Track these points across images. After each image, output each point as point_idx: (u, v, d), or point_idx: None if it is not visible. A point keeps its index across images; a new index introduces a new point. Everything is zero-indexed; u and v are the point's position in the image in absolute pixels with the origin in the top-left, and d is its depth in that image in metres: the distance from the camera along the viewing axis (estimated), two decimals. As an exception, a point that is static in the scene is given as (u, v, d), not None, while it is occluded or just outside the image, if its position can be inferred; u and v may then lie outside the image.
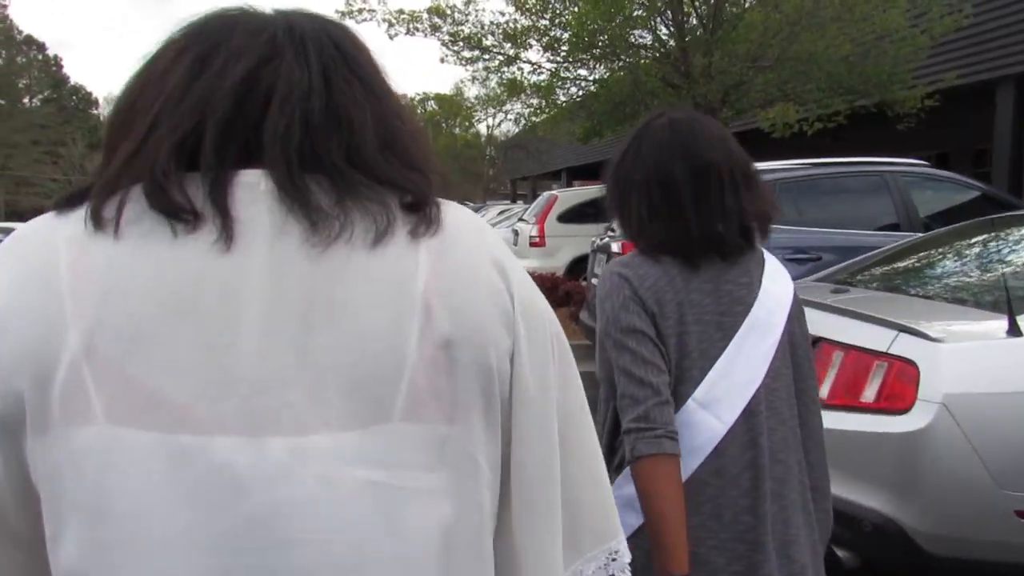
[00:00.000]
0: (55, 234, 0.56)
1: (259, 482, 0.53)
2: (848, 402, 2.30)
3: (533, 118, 11.22)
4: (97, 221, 0.55)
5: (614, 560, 0.71)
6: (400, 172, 0.62)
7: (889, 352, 2.23)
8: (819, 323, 2.50)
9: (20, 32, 46.35)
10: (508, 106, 11.45)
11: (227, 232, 0.55)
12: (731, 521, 1.25)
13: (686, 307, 1.27)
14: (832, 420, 2.27)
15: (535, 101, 10.40)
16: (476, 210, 19.01)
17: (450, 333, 0.59)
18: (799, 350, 1.35)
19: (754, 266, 1.33)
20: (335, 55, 0.63)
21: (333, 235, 0.57)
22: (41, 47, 48.03)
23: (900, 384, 2.19)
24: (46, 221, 0.58)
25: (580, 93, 10.10)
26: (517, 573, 0.65)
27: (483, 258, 0.63)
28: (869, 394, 2.25)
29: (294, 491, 0.54)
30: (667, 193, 1.29)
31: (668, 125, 1.32)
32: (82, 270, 0.54)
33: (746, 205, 1.30)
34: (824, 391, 2.34)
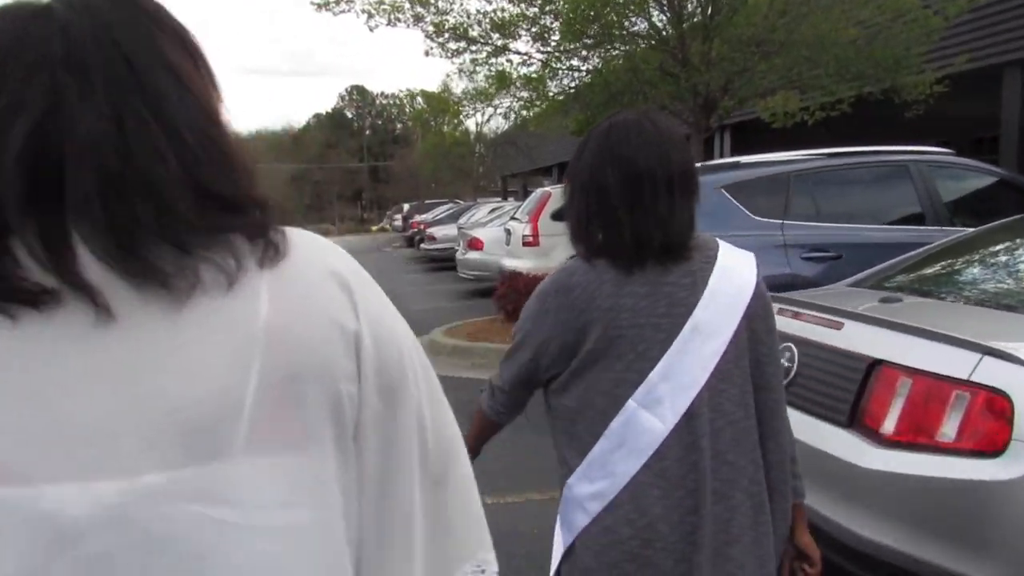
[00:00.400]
0: None
1: (93, 527, 0.53)
2: (919, 439, 1.92)
3: (523, 112, 10.74)
4: None
5: (483, 572, 0.74)
6: (221, 217, 0.61)
7: (972, 380, 1.85)
8: (876, 342, 2.14)
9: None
10: (497, 100, 10.92)
11: (53, 303, 0.55)
12: (679, 523, 1.26)
13: (618, 311, 1.28)
14: (899, 462, 1.92)
15: (525, 94, 9.96)
16: (466, 208, 19.01)
17: (293, 366, 0.60)
18: (761, 347, 1.34)
19: (700, 265, 1.31)
20: (125, 79, 0.59)
21: (170, 291, 0.57)
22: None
23: (988, 420, 1.81)
24: None
25: (573, 85, 9.67)
26: None
27: (326, 285, 0.64)
28: (948, 431, 1.86)
29: (130, 534, 0.54)
30: (601, 198, 1.32)
31: (607, 130, 1.34)
32: None
33: (680, 211, 1.30)
34: (889, 426, 1.98)
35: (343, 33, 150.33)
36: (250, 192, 0.63)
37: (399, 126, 70.98)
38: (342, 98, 75.70)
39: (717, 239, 1.37)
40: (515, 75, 9.44)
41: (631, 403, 1.26)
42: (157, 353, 0.56)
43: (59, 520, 0.53)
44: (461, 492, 0.74)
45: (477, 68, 9.87)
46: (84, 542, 0.53)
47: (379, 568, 0.66)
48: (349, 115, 74.27)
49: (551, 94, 9.75)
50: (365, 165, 63.07)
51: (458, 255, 12.06)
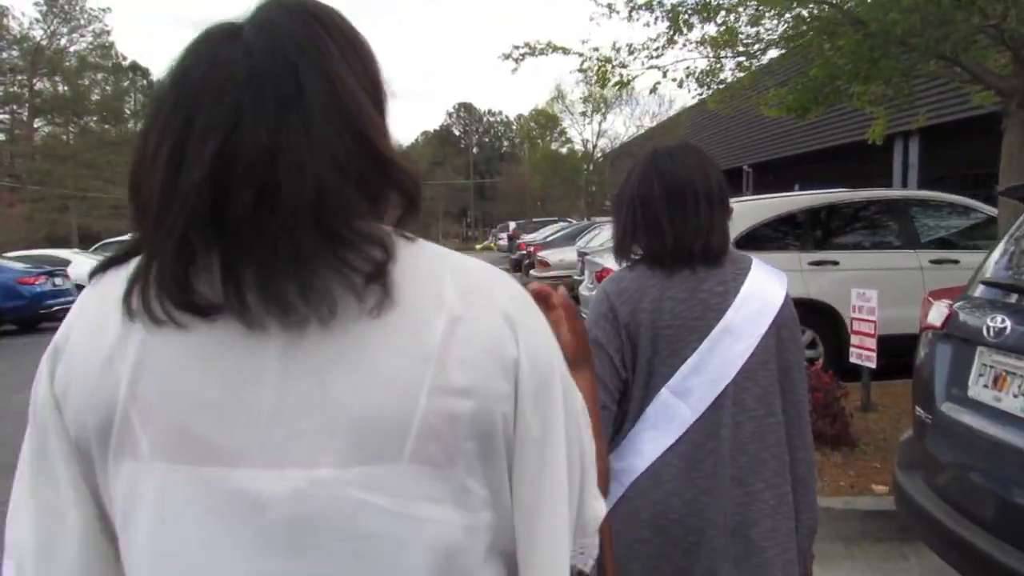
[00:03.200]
0: (106, 302, 0.71)
1: (275, 504, 0.66)
2: None
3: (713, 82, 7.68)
4: (129, 311, 0.68)
5: (582, 552, 0.86)
6: (364, 243, 0.67)
7: None
8: None
9: (125, 59, 50.28)
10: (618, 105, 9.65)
11: (245, 319, 0.66)
12: (691, 499, 1.53)
13: (660, 313, 1.57)
14: None
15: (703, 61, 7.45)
16: (582, 229, 17.65)
17: (459, 385, 0.70)
18: (788, 355, 1.59)
19: (734, 276, 1.59)
20: (291, 96, 0.66)
21: (335, 315, 0.67)
22: (145, 73, 51.40)
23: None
24: (102, 287, 0.73)
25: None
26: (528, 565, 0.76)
27: (491, 313, 0.73)
28: None
29: (307, 508, 0.66)
30: (646, 210, 1.61)
31: (652, 153, 1.66)
32: (124, 337, 0.69)
33: (717, 222, 1.60)
34: None
35: (446, 55, 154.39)
36: (409, 209, 0.72)
37: (506, 143, 73.21)
38: (449, 115, 79.00)
39: (750, 256, 1.66)
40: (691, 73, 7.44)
41: (664, 391, 1.56)
42: (344, 362, 0.66)
43: (250, 498, 0.66)
44: (589, 494, 0.84)
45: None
46: (265, 516, 0.66)
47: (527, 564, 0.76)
48: (456, 132, 77.14)
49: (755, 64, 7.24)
50: (471, 182, 65.57)
51: (583, 289, 9.28)
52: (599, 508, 0.86)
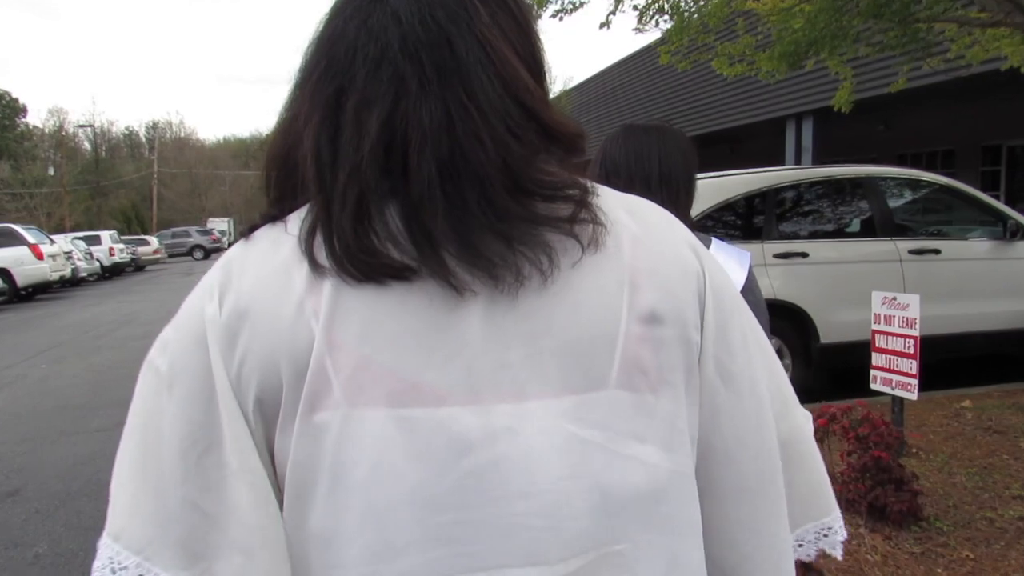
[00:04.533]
0: (279, 256, 0.67)
1: (482, 442, 0.62)
2: None
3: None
4: (317, 266, 0.65)
5: (826, 536, 0.79)
6: (539, 203, 0.66)
7: None
8: None
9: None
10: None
11: (446, 280, 0.64)
12: None
13: None
14: None
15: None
16: None
17: (655, 308, 0.67)
18: None
19: None
20: (449, 64, 0.65)
21: (496, 281, 0.64)
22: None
23: None
24: (262, 245, 0.69)
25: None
26: (735, 547, 0.74)
27: (679, 240, 0.72)
28: None
29: (515, 447, 0.63)
30: None
31: (613, 133, 1.60)
32: (316, 285, 0.65)
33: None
34: None
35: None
36: (572, 168, 0.69)
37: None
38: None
39: (712, 238, 1.55)
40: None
41: None
42: (543, 299, 0.65)
43: (461, 436, 0.63)
44: (801, 453, 0.80)
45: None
46: (473, 455, 0.63)
47: (739, 518, 0.73)
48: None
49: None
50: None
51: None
52: (824, 480, 0.82)
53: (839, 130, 14.16)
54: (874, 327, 4.06)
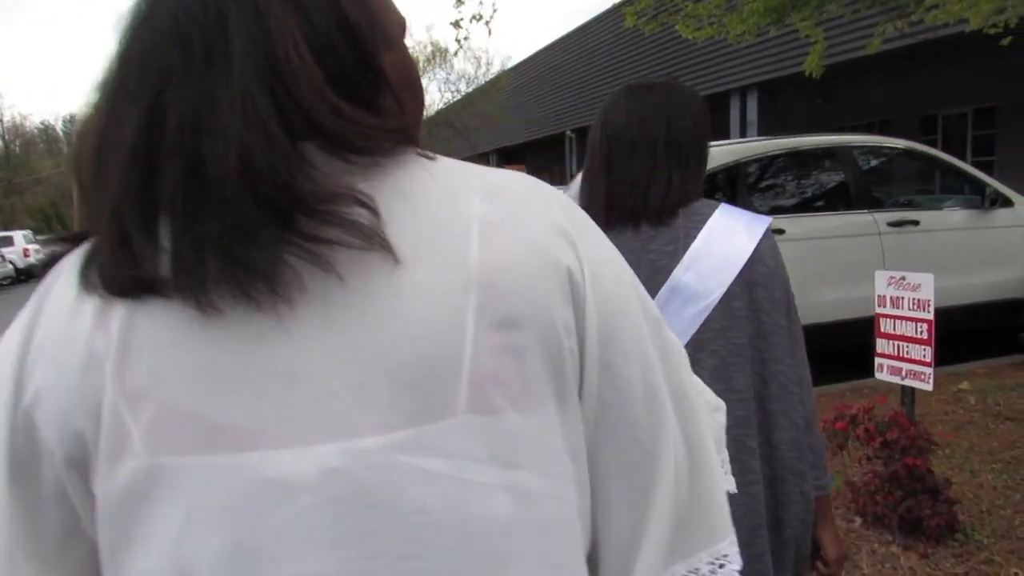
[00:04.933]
0: (72, 286, 0.58)
1: (307, 486, 0.53)
2: None
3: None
4: (91, 288, 0.57)
5: (721, 567, 0.67)
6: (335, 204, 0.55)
7: None
8: None
9: None
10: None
11: (203, 300, 0.55)
12: None
13: None
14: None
15: None
16: None
17: (510, 310, 0.56)
18: (765, 316, 1.31)
19: (686, 231, 1.35)
20: (220, 52, 0.56)
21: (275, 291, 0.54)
22: None
23: None
24: (64, 273, 0.60)
25: None
26: (601, 570, 0.63)
27: (546, 227, 0.60)
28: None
29: (347, 490, 0.53)
30: (590, 160, 1.43)
31: (615, 93, 1.45)
32: (104, 317, 0.56)
33: (662, 176, 1.35)
34: None
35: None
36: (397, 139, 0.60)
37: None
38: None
39: (721, 203, 1.39)
40: None
41: None
42: (367, 315, 0.54)
43: (280, 482, 0.53)
44: (702, 470, 0.68)
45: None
46: (300, 498, 0.53)
47: (607, 541, 0.63)
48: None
49: None
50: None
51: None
52: (721, 499, 0.70)
53: (782, 104, 14.07)
54: (879, 310, 3.63)
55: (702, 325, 1.30)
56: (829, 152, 5.54)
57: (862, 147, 5.70)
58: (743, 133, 14.29)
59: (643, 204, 1.36)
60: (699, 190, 1.40)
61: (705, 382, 1.36)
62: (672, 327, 1.35)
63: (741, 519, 1.34)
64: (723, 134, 14.39)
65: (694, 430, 0.67)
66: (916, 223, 5.46)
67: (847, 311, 5.11)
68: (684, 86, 1.46)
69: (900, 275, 3.56)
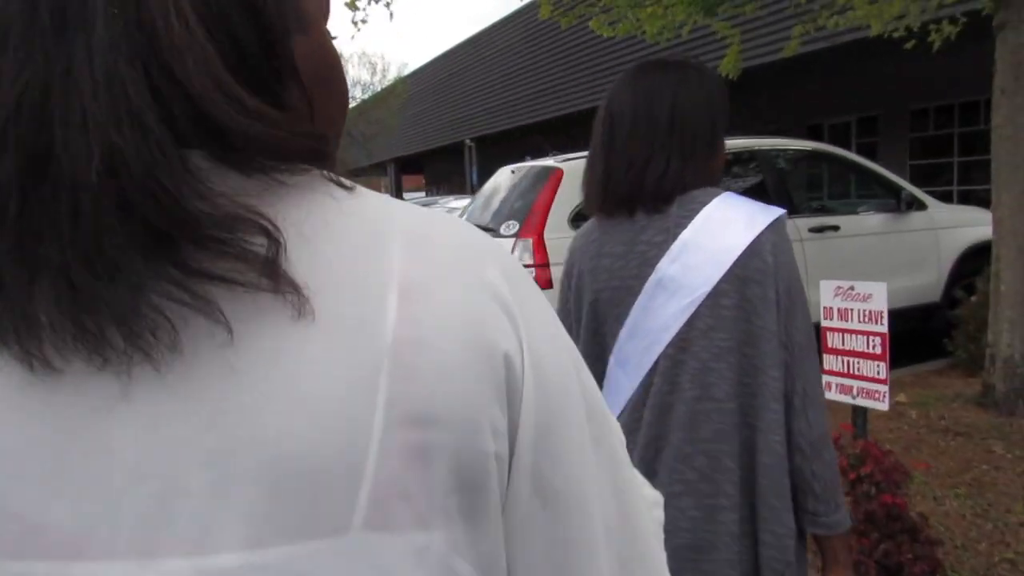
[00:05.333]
0: None
1: None
2: None
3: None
4: None
5: None
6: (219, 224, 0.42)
7: None
8: None
9: None
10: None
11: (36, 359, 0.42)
12: None
13: (597, 272, 1.30)
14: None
15: None
16: None
17: (425, 405, 0.44)
18: (756, 320, 1.18)
19: (677, 220, 1.24)
20: (76, 13, 0.43)
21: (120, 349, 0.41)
22: None
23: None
24: None
25: None
26: None
27: (478, 293, 0.47)
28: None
29: None
30: (591, 141, 1.36)
31: (627, 71, 1.37)
32: None
33: (660, 160, 1.25)
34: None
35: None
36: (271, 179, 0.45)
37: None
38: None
39: (725, 193, 1.27)
40: None
41: (611, 360, 1.28)
42: (246, 386, 0.42)
43: None
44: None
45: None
46: None
47: None
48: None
49: None
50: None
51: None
52: None
53: None
54: (825, 323, 3.33)
55: (687, 324, 1.20)
56: (750, 155, 5.31)
57: (776, 150, 5.50)
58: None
59: (638, 188, 1.26)
60: (704, 178, 1.28)
61: (685, 386, 1.18)
62: (654, 322, 1.19)
63: (708, 550, 1.16)
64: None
65: (637, 542, 0.56)
66: (836, 228, 5.30)
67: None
68: (702, 65, 1.34)
69: (848, 285, 3.28)
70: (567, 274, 1.37)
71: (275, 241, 0.42)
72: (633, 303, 1.24)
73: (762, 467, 1.18)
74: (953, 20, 5.32)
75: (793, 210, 5.31)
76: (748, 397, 1.18)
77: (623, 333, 1.25)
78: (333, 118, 0.54)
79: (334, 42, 0.54)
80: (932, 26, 5.35)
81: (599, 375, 1.27)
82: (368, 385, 0.42)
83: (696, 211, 1.23)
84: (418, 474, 0.43)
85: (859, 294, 3.22)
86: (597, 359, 1.30)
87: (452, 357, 0.44)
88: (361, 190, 0.49)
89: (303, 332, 0.42)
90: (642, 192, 1.25)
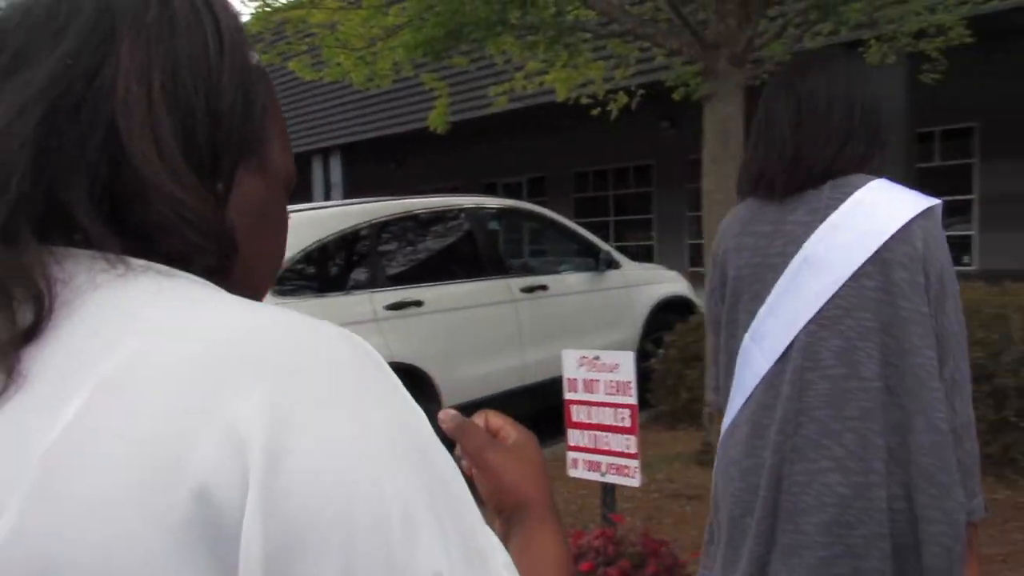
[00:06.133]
0: None
1: None
2: None
3: None
4: None
5: None
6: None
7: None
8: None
9: None
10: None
11: None
12: (748, 470, 1.29)
13: (741, 250, 1.37)
14: None
15: None
16: None
17: (50, 547, 0.35)
18: (904, 303, 1.22)
19: (828, 202, 1.29)
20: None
21: None
22: None
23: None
24: None
25: None
26: None
27: (181, 412, 0.37)
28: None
29: None
30: (747, 133, 1.46)
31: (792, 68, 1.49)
32: None
33: (811, 147, 1.31)
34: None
35: None
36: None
37: None
38: None
39: (880, 179, 1.31)
40: None
41: (746, 337, 1.33)
42: None
43: None
44: None
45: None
46: None
47: None
48: None
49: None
50: None
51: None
52: None
53: (359, 167, 14.13)
54: (569, 395, 3.11)
55: (828, 302, 1.25)
56: (456, 213, 5.09)
57: (483, 208, 5.37)
58: (327, 195, 13.80)
59: (782, 173, 1.33)
60: (858, 164, 1.32)
61: (828, 362, 1.22)
62: (796, 300, 1.24)
63: (856, 525, 1.20)
64: (307, 196, 13.75)
65: None
66: (545, 288, 5.28)
67: (491, 387, 4.67)
68: (861, 59, 1.50)
69: (594, 354, 3.10)
70: (714, 255, 1.44)
71: (39, 305, 0.40)
72: (774, 280, 1.29)
73: (924, 446, 1.20)
74: (629, 91, 5.73)
75: (505, 269, 5.19)
76: (896, 378, 1.22)
77: (763, 310, 1.30)
78: (253, 269, 0.51)
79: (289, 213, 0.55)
80: (610, 96, 5.70)
81: (733, 352, 1.36)
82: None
83: (848, 194, 1.27)
84: None
85: (605, 364, 3.04)
86: (731, 336, 1.37)
87: (115, 497, 0.35)
88: (183, 290, 0.43)
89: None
90: (793, 180, 1.31)
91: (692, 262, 11.41)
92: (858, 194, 1.27)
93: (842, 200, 1.28)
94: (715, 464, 1.40)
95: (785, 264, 1.28)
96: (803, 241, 1.28)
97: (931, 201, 1.27)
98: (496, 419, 0.65)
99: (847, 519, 1.22)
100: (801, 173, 1.31)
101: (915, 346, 1.22)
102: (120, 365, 0.37)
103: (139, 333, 0.39)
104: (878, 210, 1.26)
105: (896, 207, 1.26)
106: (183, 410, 0.36)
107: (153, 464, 0.35)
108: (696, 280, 5.44)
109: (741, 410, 1.32)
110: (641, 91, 5.71)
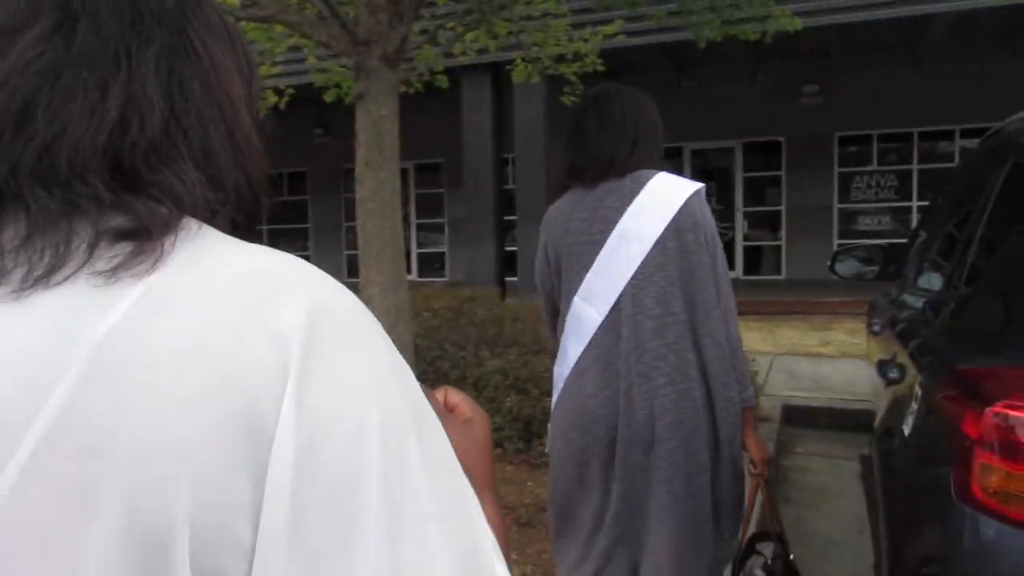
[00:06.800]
0: None
1: None
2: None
3: None
4: None
5: None
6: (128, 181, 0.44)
7: None
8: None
9: None
10: None
11: None
12: (607, 398, 1.67)
13: (567, 233, 1.78)
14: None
15: None
16: None
17: (104, 437, 0.36)
18: (691, 256, 1.70)
19: (631, 189, 1.73)
20: None
21: None
22: None
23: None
24: None
25: None
26: None
27: (246, 325, 0.40)
28: None
29: None
30: (567, 138, 1.86)
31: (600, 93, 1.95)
32: None
33: (604, 144, 1.77)
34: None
35: None
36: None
37: None
38: None
39: (657, 172, 1.77)
40: None
41: (576, 298, 1.74)
42: None
43: None
44: None
45: None
46: None
47: None
48: None
49: None
50: None
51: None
52: None
53: None
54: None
55: (643, 261, 1.69)
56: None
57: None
58: None
59: (590, 163, 1.78)
60: (648, 163, 1.79)
61: (649, 305, 1.68)
62: (621, 260, 1.70)
63: (686, 419, 1.66)
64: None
65: None
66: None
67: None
68: (639, 91, 1.89)
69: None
70: (543, 242, 1.84)
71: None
72: (597, 252, 1.71)
73: (714, 359, 1.70)
74: (278, 91, 5.28)
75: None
76: (693, 311, 1.70)
77: (590, 275, 1.71)
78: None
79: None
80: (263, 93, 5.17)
81: (567, 312, 1.77)
82: (34, 385, 0.37)
83: (644, 184, 1.74)
84: (72, 535, 0.35)
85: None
86: (567, 300, 1.77)
87: (171, 383, 0.38)
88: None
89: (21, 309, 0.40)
90: (598, 168, 1.77)
91: (350, 272, 11.19)
92: (651, 183, 1.73)
93: (641, 188, 1.72)
94: (558, 409, 1.73)
95: (605, 239, 1.71)
96: (617, 221, 1.71)
97: (699, 185, 1.76)
98: (455, 396, 0.70)
99: (681, 417, 1.65)
100: (604, 164, 1.75)
101: (702, 287, 1.70)
102: (165, 279, 0.40)
103: (182, 261, 0.42)
104: (667, 193, 1.72)
105: (678, 190, 1.73)
106: (232, 319, 0.40)
107: (217, 384, 0.37)
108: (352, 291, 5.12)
109: (584, 355, 1.70)
110: (290, 90, 5.27)
